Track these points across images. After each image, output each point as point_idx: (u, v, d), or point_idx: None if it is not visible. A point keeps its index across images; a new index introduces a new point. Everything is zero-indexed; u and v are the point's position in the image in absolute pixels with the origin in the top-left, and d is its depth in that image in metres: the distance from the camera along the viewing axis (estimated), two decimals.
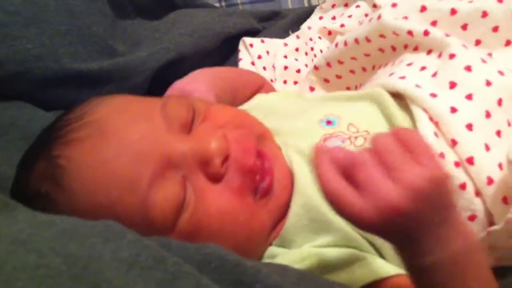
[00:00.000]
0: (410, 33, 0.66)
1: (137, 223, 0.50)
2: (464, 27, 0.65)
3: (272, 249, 0.58)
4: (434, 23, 0.66)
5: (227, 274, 0.41)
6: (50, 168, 0.53)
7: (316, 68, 0.82)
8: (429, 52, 0.65)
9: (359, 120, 0.63)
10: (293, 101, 0.75)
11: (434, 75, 0.61)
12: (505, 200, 0.54)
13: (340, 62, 0.78)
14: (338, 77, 0.81)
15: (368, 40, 0.72)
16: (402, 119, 0.60)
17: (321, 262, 0.53)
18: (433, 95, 0.59)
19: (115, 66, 0.79)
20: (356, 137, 0.60)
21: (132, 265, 0.36)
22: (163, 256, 0.39)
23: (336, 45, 0.77)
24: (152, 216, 0.51)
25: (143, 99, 0.60)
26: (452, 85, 0.59)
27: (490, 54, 0.64)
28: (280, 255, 0.56)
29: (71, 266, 0.35)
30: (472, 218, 0.56)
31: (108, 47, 0.81)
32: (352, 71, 0.79)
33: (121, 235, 0.38)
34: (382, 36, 0.70)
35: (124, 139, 0.52)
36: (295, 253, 0.55)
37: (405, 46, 0.69)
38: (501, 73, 0.59)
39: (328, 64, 0.80)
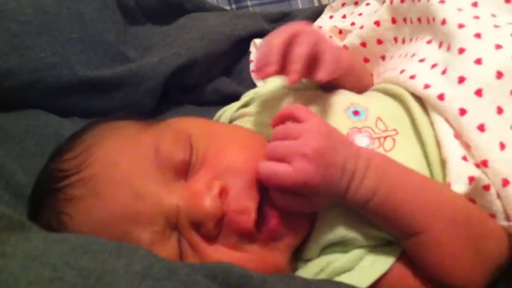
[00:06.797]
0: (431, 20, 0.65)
1: None
2: None
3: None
4: None
5: (234, 286, 0.41)
6: (54, 222, 0.54)
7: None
8: (440, 44, 0.63)
9: (386, 116, 0.62)
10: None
11: (444, 72, 0.60)
12: None
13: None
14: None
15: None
16: (423, 120, 0.60)
17: (335, 270, 0.54)
18: (441, 97, 0.57)
19: (128, 72, 0.79)
20: (385, 138, 0.60)
21: (145, 276, 0.37)
22: (176, 266, 0.39)
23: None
24: None
25: (137, 139, 0.56)
26: (461, 79, 0.57)
27: None
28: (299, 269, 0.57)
29: (85, 278, 0.35)
30: (491, 216, 0.55)
31: (120, 53, 0.81)
32: (366, 60, 0.80)
33: (134, 251, 0.39)
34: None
35: (117, 200, 0.51)
36: (313, 266, 0.56)
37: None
38: None
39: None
